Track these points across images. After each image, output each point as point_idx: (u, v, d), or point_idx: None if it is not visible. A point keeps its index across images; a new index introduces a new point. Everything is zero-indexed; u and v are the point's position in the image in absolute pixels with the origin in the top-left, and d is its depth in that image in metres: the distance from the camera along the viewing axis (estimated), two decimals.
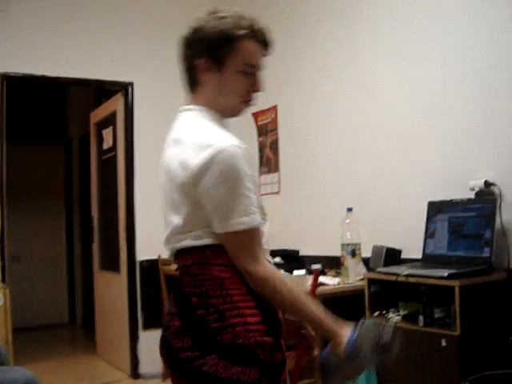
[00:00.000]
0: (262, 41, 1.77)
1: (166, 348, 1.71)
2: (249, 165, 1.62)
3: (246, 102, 1.80)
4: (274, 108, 5.12)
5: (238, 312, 1.61)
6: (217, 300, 1.62)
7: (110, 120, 5.88)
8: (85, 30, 5.32)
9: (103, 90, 6.19)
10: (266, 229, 1.76)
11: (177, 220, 1.69)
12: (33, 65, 5.08)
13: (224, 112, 1.79)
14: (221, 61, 1.72)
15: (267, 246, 1.74)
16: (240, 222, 1.60)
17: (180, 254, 1.73)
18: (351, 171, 4.28)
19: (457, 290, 2.77)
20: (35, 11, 5.12)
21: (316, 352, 1.95)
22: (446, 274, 2.83)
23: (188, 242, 1.68)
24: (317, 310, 1.67)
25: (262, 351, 1.61)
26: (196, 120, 1.74)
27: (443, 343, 2.80)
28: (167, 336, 1.70)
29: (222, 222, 1.61)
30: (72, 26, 5.26)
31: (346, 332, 1.65)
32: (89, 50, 5.32)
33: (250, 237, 1.63)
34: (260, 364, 1.60)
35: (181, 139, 1.70)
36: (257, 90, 1.79)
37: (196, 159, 1.59)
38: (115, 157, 5.73)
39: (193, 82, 1.79)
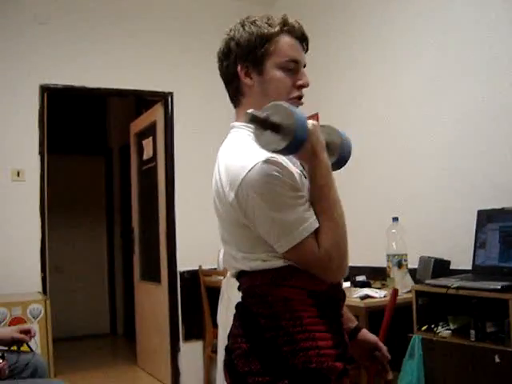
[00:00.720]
0: (298, 35, 1.70)
1: (231, 372, 1.62)
2: (284, 173, 1.50)
3: (296, 98, 1.70)
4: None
5: (308, 335, 1.52)
6: (287, 322, 1.53)
7: (149, 130, 5.88)
8: (124, 40, 5.34)
9: (143, 101, 6.20)
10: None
11: (236, 244, 1.62)
12: (73, 76, 5.10)
13: None
14: (260, 62, 1.66)
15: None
16: (299, 233, 1.49)
17: (245, 274, 1.63)
18: (397, 180, 4.17)
19: (511, 304, 2.64)
20: (75, 23, 5.15)
21: (390, 376, 1.87)
22: (499, 287, 2.70)
23: (256, 265, 1.58)
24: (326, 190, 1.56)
25: (333, 376, 1.52)
26: (234, 139, 1.67)
27: (497, 359, 2.67)
28: (232, 360, 1.60)
29: (281, 241, 1.51)
30: (111, 36, 5.29)
31: None
32: (128, 60, 5.34)
33: (313, 242, 1.51)
34: None
35: (219, 163, 1.64)
36: (303, 85, 1.70)
37: (230, 187, 1.53)
38: (155, 167, 5.71)
39: (236, 93, 1.72)
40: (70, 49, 5.11)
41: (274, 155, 1.52)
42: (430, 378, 3.03)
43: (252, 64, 1.67)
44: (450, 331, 3.03)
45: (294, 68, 1.68)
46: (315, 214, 1.55)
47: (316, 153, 1.56)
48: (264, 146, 1.51)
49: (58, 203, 6.83)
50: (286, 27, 1.68)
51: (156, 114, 5.67)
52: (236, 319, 1.67)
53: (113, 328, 8.45)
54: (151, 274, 5.88)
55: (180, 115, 5.51)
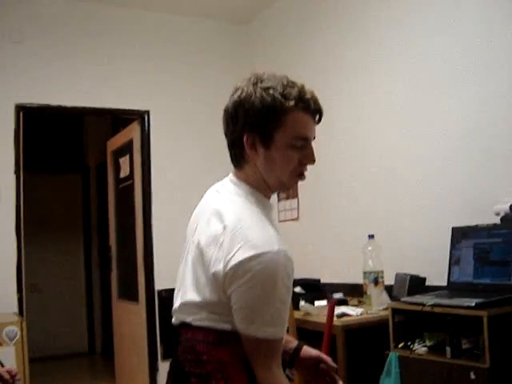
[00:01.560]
0: (312, 110, 1.64)
1: None
2: (289, 274, 1.52)
3: (299, 175, 1.67)
4: None
5: None
6: (216, 382, 1.53)
7: (126, 148, 5.86)
8: (100, 59, 5.33)
9: (120, 118, 6.19)
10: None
11: (195, 296, 1.60)
12: (49, 95, 5.09)
13: (273, 188, 1.69)
14: (269, 137, 1.60)
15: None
16: (264, 330, 1.51)
17: (189, 327, 1.63)
18: (372, 197, 4.21)
19: (485, 320, 2.66)
20: (50, 42, 5.14)
21: (341, 383, 1.89)
22: (473, 304, 2.72)
23: (206, 322, 1.58)
24: None
25: None
26: (242, 204, 1.62)
27: (472, 376, 2.69)
28: None
29: (246, 323, 1.52)
30: (87, 55, 5.28)
31: None
32: (104, 79, 5.33)
33: (270, 346, 1.54)
34: None
35: (222, 217, 1.58)
36: (309, 163, 1.67)
37: (234, 256, 1.49)
38: (132, 185, 5.69)
39: (239, 157, 1.68)
40: (46, 68, 5.09)
41: (282, 242, 1.53)
42: None
43: (259, 137, 1.61)
44: (426, 348, 3.04)
45: (301, 145, 1.64)
46: None
47: None
48: None
49: (35, 221, 6.78)
50: (302, 103, 1.61)
51: (132, 132, 5.66)
52: (168, 376, 1.69)
53: (91, 347, 8.38)
54: (129, 293, 5.85)
55: (156, 133, 5.50)
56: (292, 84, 1.62)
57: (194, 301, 1.60)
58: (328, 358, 1.90)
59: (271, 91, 1.59)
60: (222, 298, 1.54)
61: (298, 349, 1.88)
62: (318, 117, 1.68)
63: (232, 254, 1.49)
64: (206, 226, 1.62)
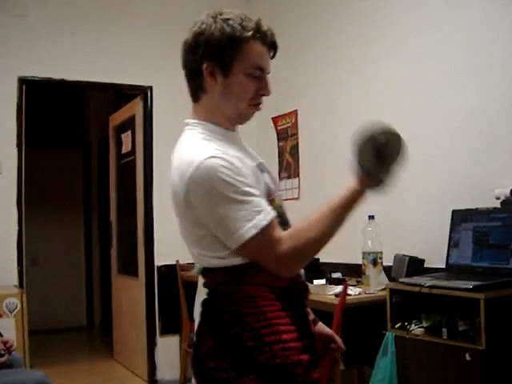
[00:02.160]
0: (268, 42, 1.69)
1: (199, 368, 1.64)
2: (231, 170, 1.53)
3: (255, 105, 1.72)
4: (295, 112, 5.07)
5: (272, 329, 1.55)
6: (250, 318, 1.56)
7: (128, 124, 5.86)
8: (104, 34, 5.32)
9: (123, 94, 6.18)
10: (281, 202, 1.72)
11: (195, 242, 1.64)
12: (52, 69, 5.08)
13: (231, 119, 1.72)
14: (227, 65, 1.65)
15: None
16: (247, 230, 1.52)
17: (208, 271, 1.66)
18: None
19: (482, 303, 2.68)
20: (54, 15, 5.12)
21: (341, 367, 1.91)
22: (471, 286, 2.74)
23: (216, 262, 1.61)
24: (338, 209, 1.61)
25: (300, 370, 1.56)
26: (187, 139, 1.68)
27: (467, 357, 2.72)
28: (199, 356, 1.63)
29: (232, 237, 1.54)
30: (91, 30, 5.26)
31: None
32: (108, 54, 5.32)
33: (267, 236, 1.54)
34: (299, 383, 1.55)
35: (173, 163, 1.66)
36: (265, 94, 1.71)
37: (181, 186, 1.56)
38: (134, 161, 5.71)
39: (197, 89, 1.72)
40: (49, 41, 5.08)
41: (221, 151, 1.55)
42: (402, 375, 3.07)
43: (218, 65, 1.65)
44: (422, 329, 3.06)
45: (259, 75, 1.68)
46: (314, 215, 1.59)
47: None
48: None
49: (36, 196, 6.80)
50: (259, 34, 1.66)
51: (135, 107, 5.66)
52: (201, 316, 1.69)
53: (89, 321, 8.43)
54: (128, 268, 5.88)
55: (159, 109, 5.50)
56: (250, 18, 1.68)
57: (196, 249, 1.65)
58: (339, 339, 1.91)
59: (231, 22, 1.64)
60: (206, 230, 1.58)
61: (315, 323, 1.89)
62: (273, 51, 1.72)
63: (178, 188, 1.57)
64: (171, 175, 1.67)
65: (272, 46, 1.71)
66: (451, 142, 3.58)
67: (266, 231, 1.53)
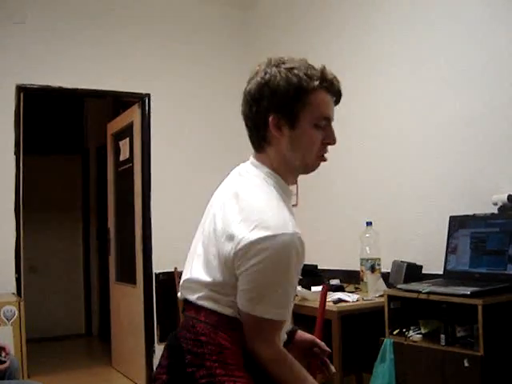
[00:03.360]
0: (334, 91, 1.66)
1: None
2: (300, 259, 1.53)
3: (321, 156, 1.68)
4: None
5: (229, 373, 1.54)
6: (212, 364, 1.54)
7: (126, 131, 5.86)
8: (102, 41, 5.33)
9: (121, 101, 6.19)
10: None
11: (202, 275, 1.62)
12: (50, 76, 5.09)
13: (297, 170, 1.69)
14: (295, 117, 1.60)
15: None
16: (269, 312, 1.52)
17: (192, 305, 1.64)
18: (371, 184, 4.22)
19: (480, 309, 2.68)
20: (51, 23, 5.13)
21: (333, 369, 1.91)
22: (468, 292, 2.75)
23: (208, 303, 1.59)
24: None
25: None
26: (261, 186, 1.62)
27: (466, 363, 2.72)
28: None
29: (252, 304, 1.52)
30: (89, 37, 5.27)
31: None
32: (106, 61, 5.33)
33: (274, 326, 1.56)
34: None
35: (239, 198, 1.59)
36: (330, 143, 1.68)
37: (247, 235, 1.48)
38: (132, 168, 5.70)
39: (261, 140, 1.66)
40: (47, 49, 5.09)
41: (296, 226, 1.54)
42: (401, 382, 3.07)
43: (285, 117, 1.60)
44: (420, 335, 3.06)
45: (325, 125, 1.65)
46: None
47: None
48: None
49: (34, 203, 6.78)
50: (325, 83, 1.63)
51: (133, 115, 5.66)
52: (165, 350, 1.69)
53: (88, 329, 8.40)
54: (127, 276, 5.87)
55: (157, 116, 5.51)
56: (313, 66, 1.65)
57: (200, 279, 1.62)
58: (322, 343, 1.92)
59: (296, 71, 1.60)
60: (229, 280, 1.55)
61: (293, 332, 1.90)
62: (338, 97, 1.69)
63: (245, 233, 1.49)
64: (224, 206, 1.62)
65: (337, 94, 1.68)
66: (449, 148, 3.59)
67: (278, 325, 1.57)
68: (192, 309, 1.64)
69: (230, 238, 1.53)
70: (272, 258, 1.47)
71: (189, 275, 1.68)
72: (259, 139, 1.66)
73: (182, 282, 1.72)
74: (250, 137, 1.70)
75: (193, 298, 1.63)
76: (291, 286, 1.56)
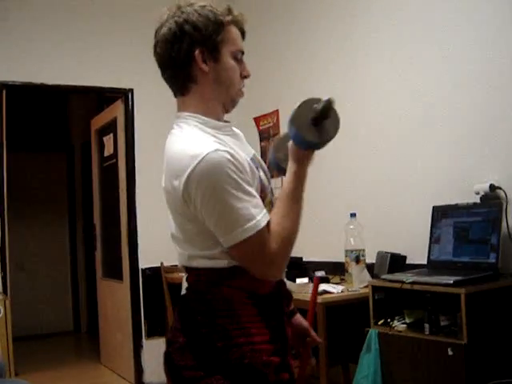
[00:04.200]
0: (241, 27, 1.72)
1: (169, 365, 1.65)
2: (236, 164, 1.52)
3: (240, 90, 1.73)
4: (276, 112, 5.08)
5: (244, 332, 1.56)
6: (223, 320, 1.56)
7: (110, 127, 5.85)
8: (84, 37, 5.30)
9: (105, 97, 6.16)
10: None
11: (183, 239, 1.64)
12: (32, 73, 5.06)
13: (225, 106, 1.71)
14: (217, 49, 1.64)
15: None
16: (244, 230, 1.50)
17: (191, 270, 1.66)
18: (354, 176, 4.23)
19: (463, 298, 2.70)
20: (33, 20, 5.10)
21: (314, 361, 1.92)
22: (451, 281, 2.77)
23: (203, 262, 1.61)
24: (296, 193, 1.66)
25: (269, 371, 1.55)
26: (183, 132, 1.65)
27: (450, 352, 2.74)
28: (170, 353, 1.64)
29: (226, 236, 1.52)
30: (71, 33, 5.24)
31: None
32: (88, 57, 5.30)
33: (260, 242, 1.53)
34: (267, 383, 1.55)
35: (166, 155, 1.64)
36: (247, 76, 1.73)
37: (182, 179, 1.51)
38: (116, 163, 5.69)
39: (186, 79, 1.67)
40: (29, 45, 5.06)
41: (223, 145, 1.54)
42: (386, 371, 3.09)
43: (209, 50, 1.64)
44: (405, 325, 3.08)
45: (240, 58, 1.71)
46: (278, 207, 1.60)
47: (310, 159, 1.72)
48: (298, 128, 1.63)
49: (20, 200, 6.77)
50: (235, 19, 1.68)
51: (116, 110, 5.65)
52: (176, 313, 1.70)
53: (76, 325, 8.39)
54: (113, 271, 5.86)
55: (140, 111, 5.50)
56: (224, 4, 1.69)
57: (185, 246, 1.64)
58: (314, 333, 1.92)
59: (209, 8, 1.65)
60: (200, 226, 1.56)
61: (293, 313, 1.89)
62: (243, 33, 1.74)
63: (180, 180, 1.52)
64: (165, 170, 1.64)
65: (243, 31, 1.73)
66: (431, 139, 3.60)
67: (261, 233, 1.52)
68: (192, 272, 1.66)
69: (175, 191, 1.55)
70: (210, 180, 1.48)
71: (178, 247, 1.70)
72: (184, 79, 1.67)
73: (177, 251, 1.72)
74: (173, 80, 1.70)
75: (187, 263, 1.65)
76: (245, 193, 1.52)
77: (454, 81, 3.46)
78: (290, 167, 1.67)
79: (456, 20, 3.44)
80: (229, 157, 1.50)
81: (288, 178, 1.66)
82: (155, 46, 1.69)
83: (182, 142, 1.60)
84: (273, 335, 1.59)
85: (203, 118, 1.66)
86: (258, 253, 1.54)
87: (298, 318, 1.92)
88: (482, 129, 3.28)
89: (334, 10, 4.47)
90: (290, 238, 1.58)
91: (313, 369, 1.98)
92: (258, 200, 1.56)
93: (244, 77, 1.72)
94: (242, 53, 1.71)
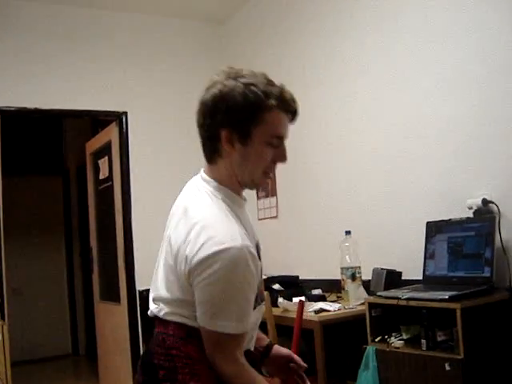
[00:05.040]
0: (291, 111, 1.66)
1: None
2: (252, 271, 1.53)
3: (267, 174, 1.69)
4: None
5: None
6: (184, 376, 1.57)
7: (105, 150, 5.86)
8: (77, 61, 5.33)
9: (99, 120, 6.19)
10: (261, 312, 1.73)
11: (165, 292, 1.64)
12: (26, 98, 5.07)
13: (243, 185, 1.70)
14: (247, 133, 1.60)
15: (255, 332, 1.72)
16: (227, 326, 1.53)
17: (161, 320, 1.66)
18: (348, 194, 4.25)
19: (458, 313, 2.71)
20: (27, 44, 5.13)
21: (309, 383, 1.92)
22: (447, 297, 2.78)
23: (176, 318, 1.62)
24: None
25: None
26: (209, 201, 1.64)
27: (447, 367, 2.74)
28: None
29: (209, 319, 1.53)
30: (64, 57, 5.28)
31: None
32: (82, 81, 5.33)
33: (233, 342, 1.56)
34: None
35: (188, 215, 1.61)
36: (281, 162, 1.69)
37: (198, 253, 1.50)
38: (112, 186, 5.70)
39: (213, 152, 1.66)
40: (23, 70, 5.08)
41: (246, 235, 1.55)
42: None
43: (238, 133, 1.60)
44: (402, 341, 3.09)
45: (277, 144, 1.65)
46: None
47: None
48: None
49: (16, 225, 6.76)
50: (282, 103, 1.63)
51: (111, 133, 5.67)
52: (139, 367, 1.71)
53: (75, 348, 8.37)
54: (110, 294, 5.85)
55: (135, 134, 5.51)
56: (273, 83, 1.64)
57: (163, 296, 1.64)
58: (298, 358, 1.93)
59: (253, 88, 1.59)
60: (188, 297, 1.57)
61: (269, 347, 1.91)
62: (293, 117, 1.69)
63: (195, 251, 1.51)
64: (177, 224, 1.64)
65: (293, 114, 1.68)
66: (424, 156, 3.63)
67: (237, 339, 1.56)
68: (161, 324, 1.66)
69: (183, 258, 1.55)
70: (222, 271, 1.48)
71: (155, 291, 1.70)
72: (211, 151, 1.67)
73: (150, 298, 1.73)
74: (203, 147, 1.70)
75: (160, 314, 1.65)
76: (245, 299, 1.55)
77: (445, 98, 3.49)
78: None
79: (449, 35, 3.47)
80: (249, 259, 1.51)
81: None
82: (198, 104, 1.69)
83: (212, 216, 1.58)
84: None
85: (226, 190, 1.67)
86: (225, 348, 1.56)
87: (276, 348, 1.93)
88: (473, 144, 3.30)
89: (334, 27, 4.51)
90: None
91: None
92: (251, 309, 1.60)
93: (276, 162, 1.69)
94: (281, 138, 1.65)
